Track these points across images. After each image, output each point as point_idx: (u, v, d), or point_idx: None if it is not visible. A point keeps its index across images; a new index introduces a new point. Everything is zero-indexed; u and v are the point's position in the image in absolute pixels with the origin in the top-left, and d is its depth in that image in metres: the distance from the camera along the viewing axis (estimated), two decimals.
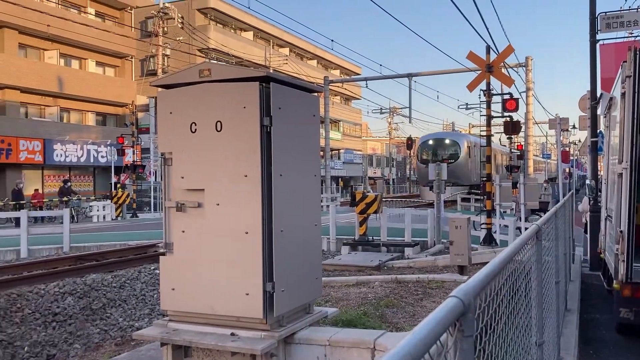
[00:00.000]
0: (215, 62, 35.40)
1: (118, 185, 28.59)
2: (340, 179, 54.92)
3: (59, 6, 33.14)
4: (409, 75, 32.04)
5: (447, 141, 35.49)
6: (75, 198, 26.68)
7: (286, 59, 47.84)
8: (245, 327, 4.41)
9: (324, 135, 33.76)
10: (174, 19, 34.90)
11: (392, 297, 8.23)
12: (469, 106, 39.77)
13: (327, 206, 22.22)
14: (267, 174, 4.38)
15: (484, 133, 14.12)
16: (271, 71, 5.36)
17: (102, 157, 33.91)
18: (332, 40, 49.68)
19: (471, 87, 13.66)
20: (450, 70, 31.63)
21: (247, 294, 4.34)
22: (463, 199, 28.65)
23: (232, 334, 4.39)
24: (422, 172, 35.38)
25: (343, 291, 8.89)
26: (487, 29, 18.60)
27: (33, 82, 31.23)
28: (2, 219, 22.29)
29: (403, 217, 14.62)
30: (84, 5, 35.75)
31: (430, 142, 35.98)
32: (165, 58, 35.32)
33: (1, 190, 29.09)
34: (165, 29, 34.89)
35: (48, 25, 29.12)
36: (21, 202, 24.64)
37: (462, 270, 10.13)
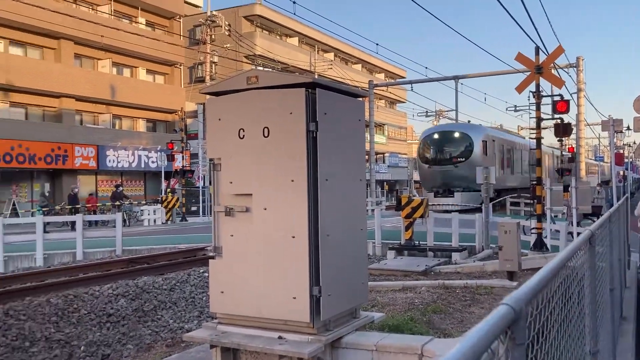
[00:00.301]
0: (261, 68, 35.85)
1: (168, 190, 29.30)
2: (385, 183, 54.67)
3: (112, 17, 34.30)
4: (455, 78, 31.73)
5: (456, 134, 27.85)
6: (127, 202, 27.45)
7: (331, 64, 48.02)
8: (292, 330, 4.45)
9: (368, 139, 33.70)
10: (221, 26, 35.57)
11: (439, 303, 8.13)
12: (517, 108, 38.84)
13: (372, 210, 22.14)
14: (313, 179, 4.41)
15: (534, 135, 13.82)
16: (316, 76, 5.41)
17: (153, 162, 34.85)
18: (377, 44, 49.59)
19: (520, 88, 13.38)
20: (497, 72, 31.13)
21: (294, 298, 4.38)
22: (512, 203, 27.91)
23: (280, 338, 4.43)
24: (424, 174, 28.67)
25: (389, 296, 8.84)
26: (536, 30, 18.17)
27: (87, 91, 32.43)
28: (58, 223, 23.20)
29: (450, 221, 14.41)
30: (134, 15, 36.90)
31: (435, 136, 28.38)
32: (213, 65, 36.00)
33: (58, 195, 30.28)
34: (213, 36, 35.59)
35: (102, 36, 30.19)
36: (76, 206, 25.56)
37: (511, 276, 9.92)
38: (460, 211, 20.02)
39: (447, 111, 50.34)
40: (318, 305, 4.36)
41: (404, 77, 57.84)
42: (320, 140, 4.42)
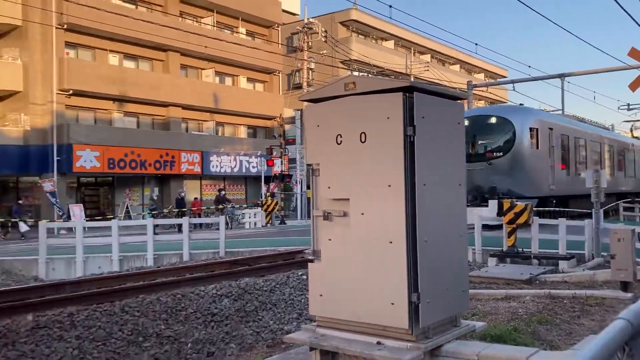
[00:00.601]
0: (357, 73, 36.01)
1: (267, 194, 30.16)
2: None
3: (214, 28, 35.93)
4: (561, 76, 30.11)
5: (493, 120, 20.37)
6: (230, 206, 28.54)
7: (427, 66, 47.29)
8: (390, 336, 4.42)
9: None
10: (317, 33, 36.15)
11: (545, 313, 7.75)
12: (630, 107, 36.23)
13: None
14: (411, 184, 4.36)
15: None
16: (412, 79, 5.36)
17: (253, 167, 36.05)
18: (476, 44, 48.22)
19: (633, 86, 12.53)
20: (608, 68, 29.21)
21: (392, 304, 4.34)
22: (626, 209, 26.04)
23: (378, 343, 4.42)
24: None
25: (491, 305, 8.55)
26: None
27: (192, 99, 34.18)
28: (166, 225, 24.60)
29: (556, 227, 13.69)
30: (235, 25, 38.43)
31: (466, 123, 20.79)
32: (310, 72, 36.64)
33: (165, 199, 32.12)
34: (310, 43, 36.24)
35: (205, 47, 31.69)
36: (183, 209, 26.97)
37: (625, 286, 9.25)
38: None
39: (552, 111, 47.91)
40: (417, 312, 4.30)
41: (505, 77, 55.85)
42: (418, 145, 4.36)
